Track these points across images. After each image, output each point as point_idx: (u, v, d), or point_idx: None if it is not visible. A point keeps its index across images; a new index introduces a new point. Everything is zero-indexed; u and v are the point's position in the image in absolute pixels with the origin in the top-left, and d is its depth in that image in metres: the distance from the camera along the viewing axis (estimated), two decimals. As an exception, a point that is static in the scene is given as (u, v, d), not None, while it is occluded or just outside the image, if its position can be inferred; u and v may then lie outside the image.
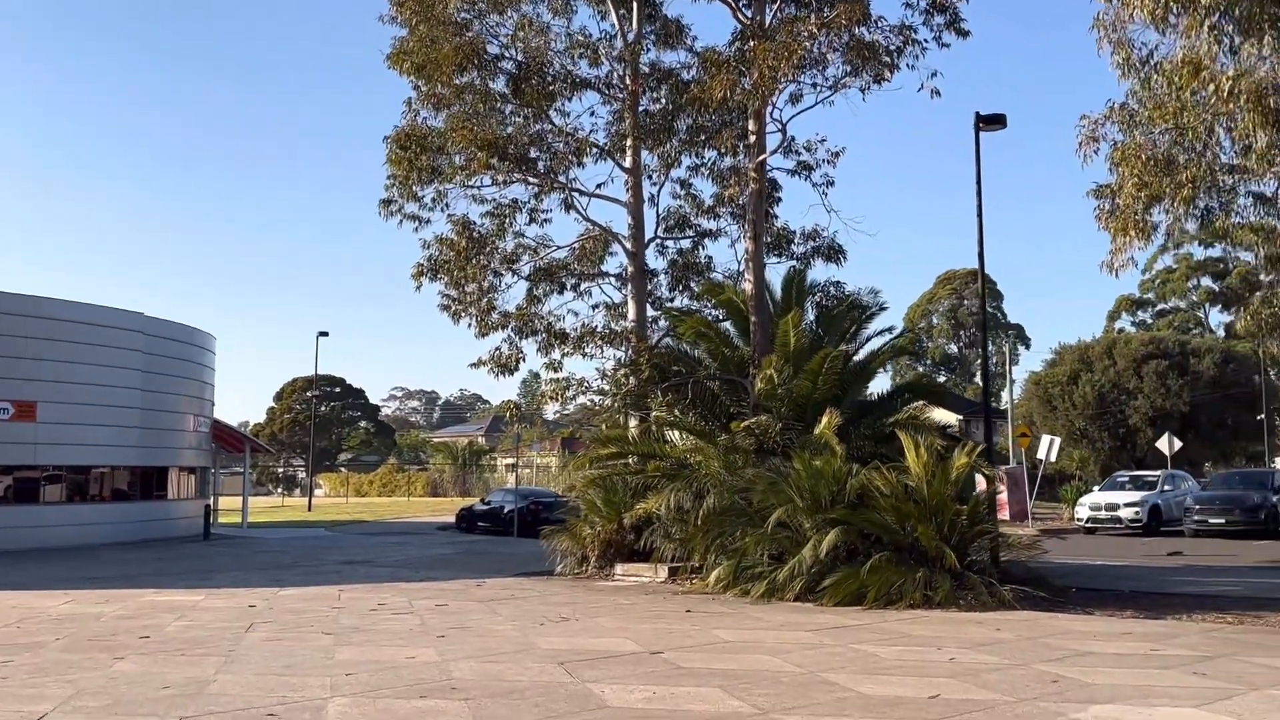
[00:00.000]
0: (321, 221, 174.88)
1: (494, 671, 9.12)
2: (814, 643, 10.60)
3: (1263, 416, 54.00)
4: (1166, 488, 30.78)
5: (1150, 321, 75.29)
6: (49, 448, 26.57)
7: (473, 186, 20.44)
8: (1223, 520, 27.20)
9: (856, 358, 19.05)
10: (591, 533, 18.51)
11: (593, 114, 20.80)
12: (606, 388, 19.74)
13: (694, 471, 17.03)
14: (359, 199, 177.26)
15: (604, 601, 14.75)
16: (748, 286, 18.71)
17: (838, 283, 20.60)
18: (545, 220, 21.77)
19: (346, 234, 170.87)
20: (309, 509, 52.27)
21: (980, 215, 19.74)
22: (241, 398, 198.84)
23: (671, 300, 22.26)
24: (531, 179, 20.40)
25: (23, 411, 25.85)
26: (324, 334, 56.28)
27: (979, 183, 19.73)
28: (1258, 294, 13.68)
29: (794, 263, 20.61)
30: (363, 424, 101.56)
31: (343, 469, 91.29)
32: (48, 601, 15.32)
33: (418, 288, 20.38)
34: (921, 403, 17.93)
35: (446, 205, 20.44)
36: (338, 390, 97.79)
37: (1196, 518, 27.69)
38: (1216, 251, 75.19)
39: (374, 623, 12.59)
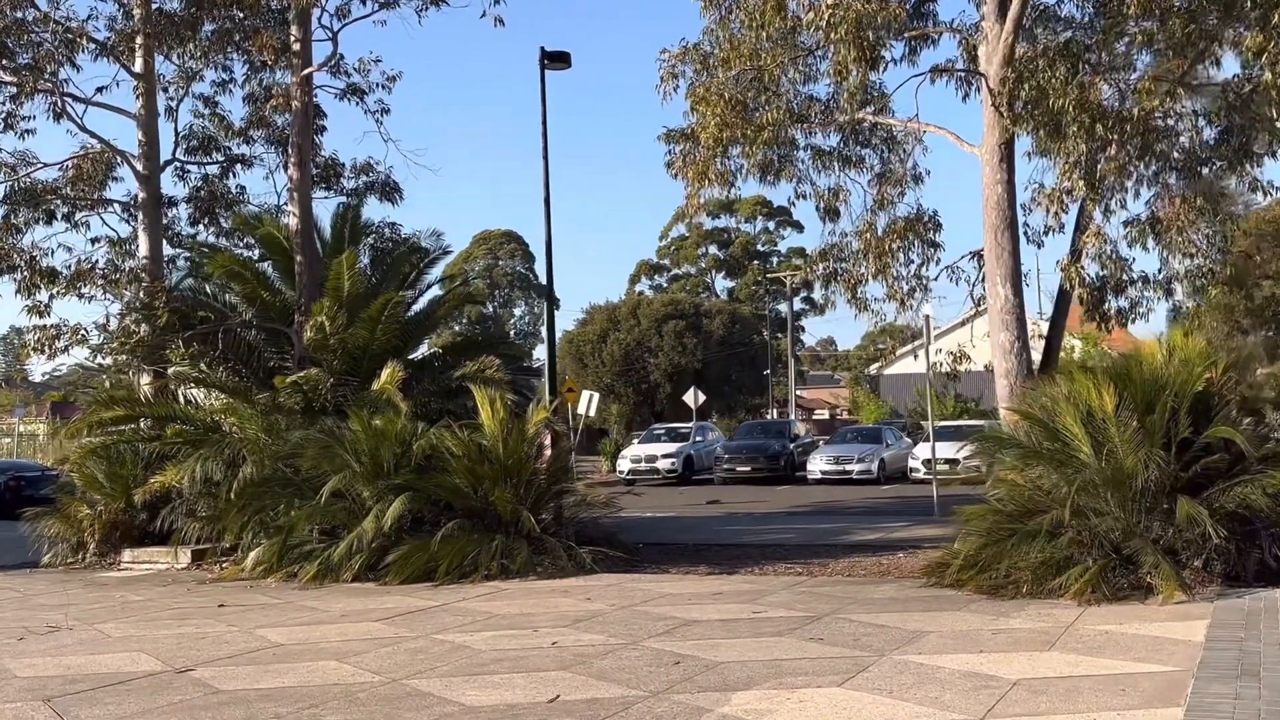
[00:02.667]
0: None
1: (-61, 727, 6.39)
2: (388, 636, 8.85)
3: (768, 371, 59.75)
4: (698, 439, 32.43)
5: (666, 285, 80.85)
6: None
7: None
8: (749, 468, 29.05)
9: (418, 306, 17.34)
10: (91, 514, 15.13)
11: (92, 3, 16.93)
12: (113, 333, 16.22)
13: (227, 436, 14.40)
14: None
15: (109, 599, 11.84)
16: (292, 222, 16.21)
17: (394, 224, 18.72)
18: (28, 131, 17.55)
19: None
20: None
21: (546, 157, 18.87)
22: None
23: (195, 236, 19.02)
24: (6, 75, 16.18)
25: None
26: None
27: (545, 124, 18.82)
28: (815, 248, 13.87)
29: (345, 199, 18.36)
30: None
31: None
32: None
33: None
34: (489, 356, 16.62)
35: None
36: None
37: (726, 466, 29.33)
38: (722, 222, 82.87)
39: None
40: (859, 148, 14.10)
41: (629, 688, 6.73)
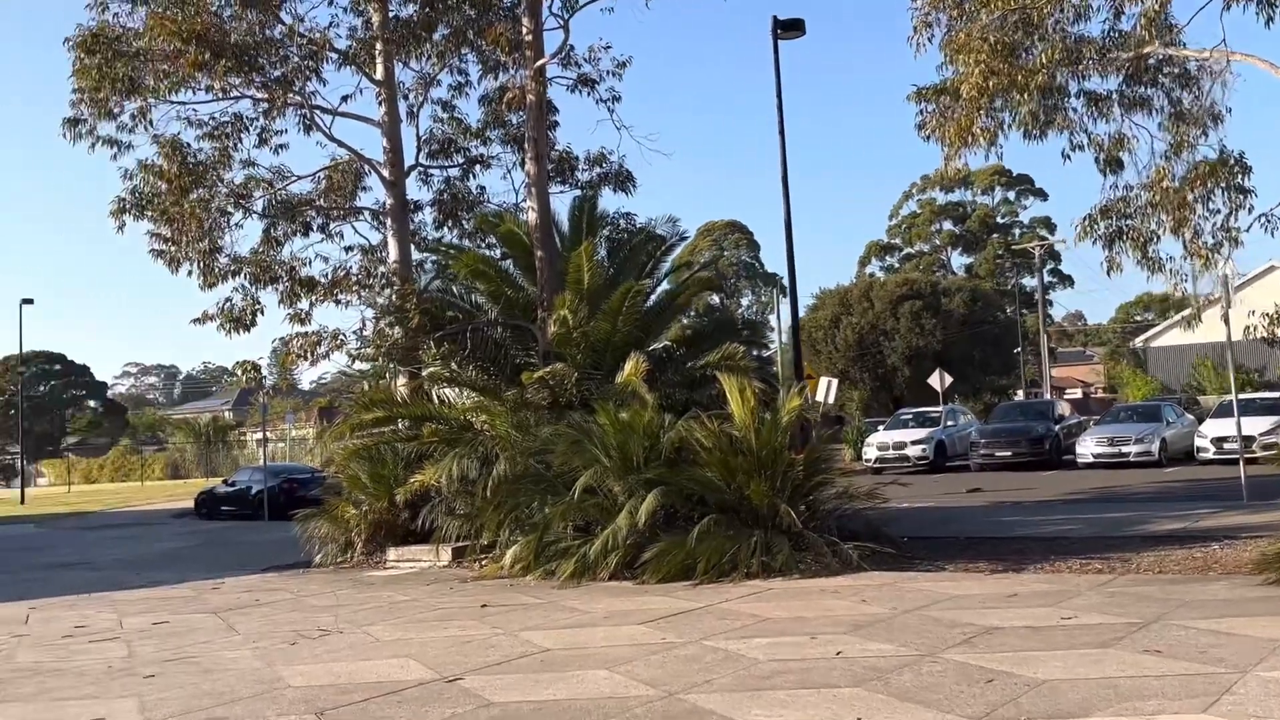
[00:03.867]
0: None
1: (220, 738, 6.28)
2: (655, 642, 8.29)
3: (1018, 350, 56.43)
4: (949, 423, 30.65)
5: (898, 265, 77.90)
6: None
7: (184, 102, 16.72)
8: (1009, 453, 27.10)
9: (656, 295, 16.87)
10: (357, 514, 15.52)
11: (333, 12, 17.44)
12: (368, 337, 16.62)
13: (479, 434, 14.41)
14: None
15: (376, 599, 11.94)
16: (530, 217, 16.07)
17: (628, 214, 18.38)
18: (281, 146, 18.34)
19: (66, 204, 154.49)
20: (21, 501, 45.68)
21: (782, 131, 18.01)
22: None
23: (440, 239, 19.34)
24: (258, 92, 16.84)
25: None
26: (28, 301, 49.27)
27: (779, 96, 17.97)
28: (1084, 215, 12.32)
29: (580, 191, 18.14)
30: (90, 404, 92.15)
31: (68, 454, 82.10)
32: None
33: (119, 228, 16.54)
34: (732, 343, 15.95)
35: (151, 124, 16.60)
36: (58, 368, 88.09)
37: (983, 451, 27.49)
38: (956, 196, 79.06)
39: (62, 658, 9.31)
40: (1144, 88, 12.47)
41: (942, 711, 5.84)
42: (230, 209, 17.71)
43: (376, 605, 11.46)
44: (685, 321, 18.72)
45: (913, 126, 13.34)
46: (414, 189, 19.01)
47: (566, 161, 18.53)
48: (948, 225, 78.99)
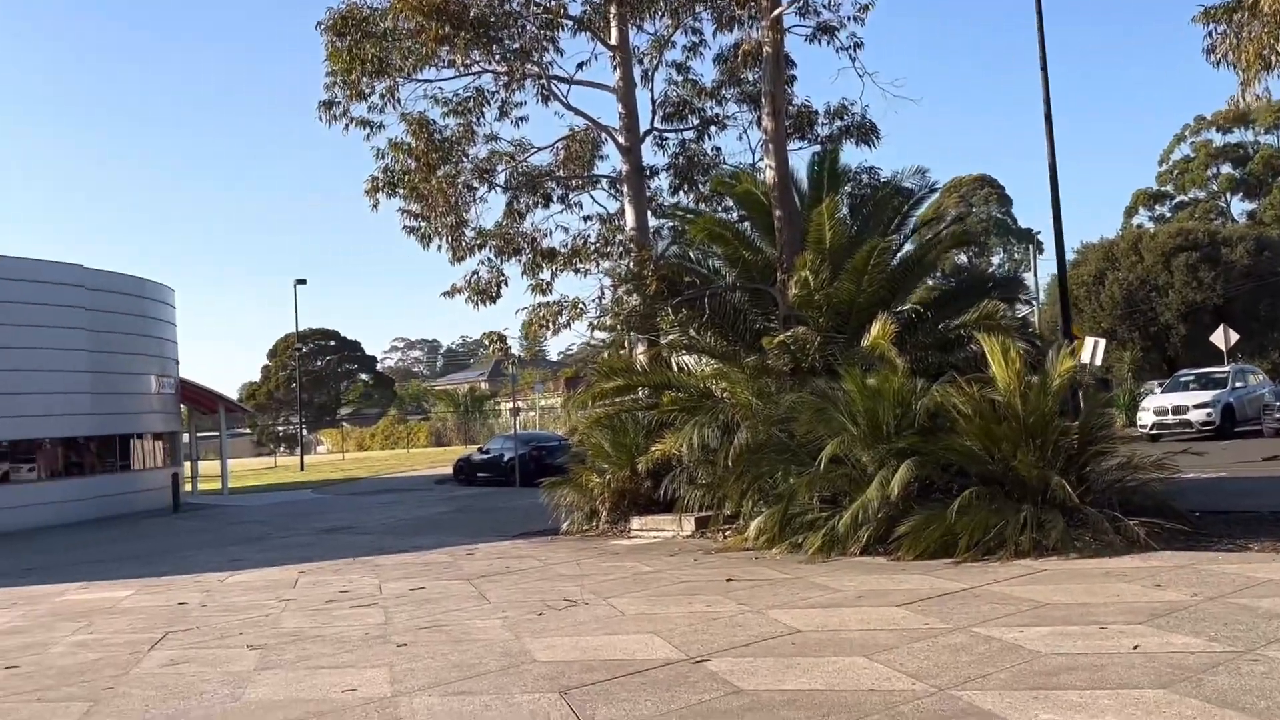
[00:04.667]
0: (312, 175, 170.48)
1: (461, 715, 6.12)
2: (918, 627, 7.59)
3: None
4: (1237, 384, 27.69)
5: (1169, 215, 71.70)
6: (-17, 422, 23.54)
7: (428, 80, 17.11)
8: (1317, 416, 24.16)
9: (903, 253, 15.87)
10: (600, 482, 15.51)
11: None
12: (607, 305, 16.56)
13: (719, 402, 13.99)
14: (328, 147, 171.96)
15: (620, 570, 11.77)
16: (768, 175, 15.45)
17: (872, 169, 17.40)
18: (521, 119, 18.51)
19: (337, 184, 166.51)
20: (301, 469, 49.48)
21: (1044, 66, 16.52)
22: (243, 357, 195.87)
23: (676, 204, 19.03)
24: (498, 66, 16.99)
25: (-53, 383, 22.76)
26: (301, 282, 52.98)
27: (1040, 29, 16.46)
28: None
29: (819, 147, 17.33)
30: (362, 377, 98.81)
31: (344, 424, 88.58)
32: (-64, 612, 12.39)
33: (374, 205, 17.18)
34: (991, 301, 14.78)
35: (399, 102, 17.09)
36: (332, 344, 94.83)
37: (1280, 415, 24.66)
38: (1235, 137, 71.76)
39: (323, 624, 9.62)
40: None
41: (1277, 726, 4.89)
42: (475, 183, 18.06)
43: (621, 576, 11.29)
44: (931, 282, 17.62)
45: (1200, 51, 11.84)
46: (649, 154, 18.79)
47: (805, 116, 17.76)
48: (1226, 169, 71.99)
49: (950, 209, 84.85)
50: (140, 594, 12.75)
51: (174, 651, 8.77)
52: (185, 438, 36.16)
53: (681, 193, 19.34)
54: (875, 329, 13.08)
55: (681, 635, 7.87)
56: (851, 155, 22.37)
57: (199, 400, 34.83)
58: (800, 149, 17.82)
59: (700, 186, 19.03)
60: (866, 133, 17.55)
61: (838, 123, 17.64)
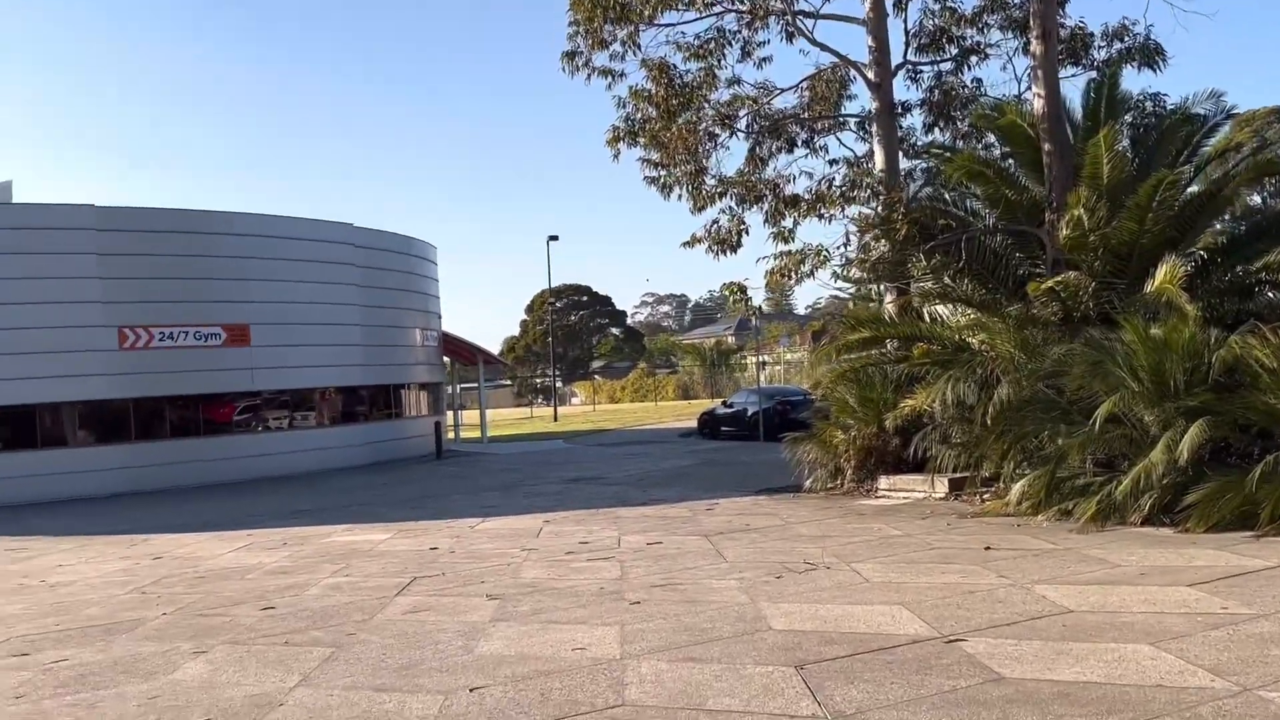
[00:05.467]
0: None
1: (689, 684, 5.72)
2: (1215, 611, 6.56)
3: None
4: None
5: None
6: (266, 372, 25.44)
7: (669, 24, 16.68)
8: None
9: (1192, 188, 14.11)
10: (845, 439, 14.79)
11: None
12: (853, 254, 15.71)
13: (976, 355, 12.95)
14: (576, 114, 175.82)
15: (865, 532, 11.09)
16: (1036, 105, 14.08)
17: (1156, 95, 15.57)
18: (764, 59, 17.78)
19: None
20: (555, 419, 51.15)
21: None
22: (503, 311, 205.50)
23: (930, 142, 17.81)
24: (741, 4, 16.33)
25: (235, 336, 24.72)
26: (554, 238, 54.34)
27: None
28: None
29: (1093, 73, 15.66)
30: (613, 331, 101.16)
31: (595, 377, 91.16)
32: (218, 547, 13.36)
33: (615, 156, 17.04)
34: (1300, 240, 12.90)
35: (639, 48, 16.78)
36: (585, 299, 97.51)
37: None
38: None
39: (560, 576, 9.54)
40: None
41: None
42: (716, 130, 17.56)
43: (866, 539, 10.62)
44: (1219, 225, 15.63)
45: None
46: (901, 90, 17.67)
47: (1078, 39, 16.12)
48: None
49: (1245, 145, 76.85)
50: (397, 538, 13.24)
51: (417, 598, 8.90)
52: (449, 389, 38.02)
53: (936, 130, 18.10)
54: (1161, 273, 11.66)
55: (932, 609, 7.17)
56: (1132, 82, 20.19)
57: (460, 353, 36.44)
58: (1073, 76, 16.25)
59: (957, 123, 17.72)
60: (1150, 55, 15.70)
61: (1116, 45, 15.90)
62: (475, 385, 43.83)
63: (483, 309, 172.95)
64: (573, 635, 7.08)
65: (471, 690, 5.90)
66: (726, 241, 16.95)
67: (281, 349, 25.55)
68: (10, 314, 22.03)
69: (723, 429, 30.59)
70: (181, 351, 23.89)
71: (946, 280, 14.52)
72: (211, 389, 24.71)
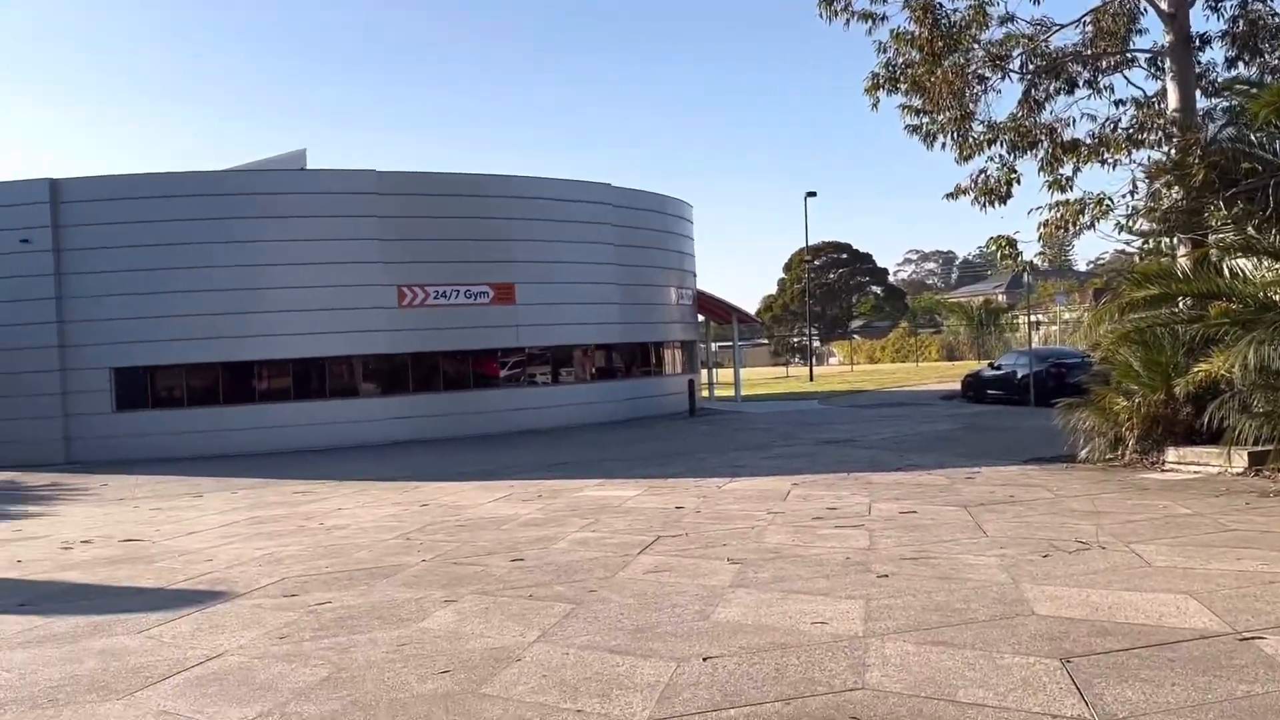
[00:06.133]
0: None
1: (937, 671, 5.27)
2: None
3: None
4: None
5: None
6: (530, 329, 26.38)
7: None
8: None
9: None
10: (1127, 405, 13.53)
11: None
12: (1139, 203, 14.25)
13: (1285, 314, 11.43)
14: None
15: (1148, 510, 10.06)
16: (1367, 27, 12.19)
17: None
18: (1041, -7, 16.34)
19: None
20: (810, 379, 50.44)
21: None
22: (762, 270, 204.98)
23: (1234, 78, 15.88)
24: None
25: (501, 294, 25.74)
26: (811, 194, 53.21)
27: None
28: None
29: None
30: (873, 289, 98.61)
31: (854, 336, 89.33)
32: (480, 496, 13.93)
33: (873, 105, 16.16)
34: None
35: (901, -14, 15.81)
36: (844, 257, 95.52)
37: None
38: None
39: (805, 543, 9.21)
40: None
41: None
42: (985, 72, 16.39)
43: (1149, 517, 9.62)
44: None
45: None
46: (1198, 21, 15.81)
47: None
48: None
49: None
50: (645, 494, 13.31)
51: (659, 558, 8.83)
52: (703, 347, 38.21)
53: (1240, 65, 16.11)
54: None
55: (1225, 600, 6.33)
56: None
57: (714, 311, 36.46)
58: None
59: (1265, 54, 15.69)
60: None
61: None
62: (730, 344, 43.81)
63: (742, 268, 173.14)
64: (813, 607, 6.76)
65: (704, 660, 5.70)
66: (995, 192, 15.82)
67: (544, 307, 26.40)
68: (303, 273, 23.89)
69: (988, 392, 29.04)
70: (453, 309, 25.15)
71: (1250, 231, 12.89)
72: (480, 345, 25.90)
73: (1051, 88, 16.72)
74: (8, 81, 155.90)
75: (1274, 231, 12.87)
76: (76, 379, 23.52)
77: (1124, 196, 14.82)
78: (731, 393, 35.90)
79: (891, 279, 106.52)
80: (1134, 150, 15.21)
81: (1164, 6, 14.92)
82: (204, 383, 24.13)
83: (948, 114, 15.69)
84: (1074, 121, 16.16)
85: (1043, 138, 15.90)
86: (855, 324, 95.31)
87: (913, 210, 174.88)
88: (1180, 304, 13.10)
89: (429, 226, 25.05)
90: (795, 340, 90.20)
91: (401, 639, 6.52)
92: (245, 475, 18.75)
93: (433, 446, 22.91)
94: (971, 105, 16.01)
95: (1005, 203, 15.90)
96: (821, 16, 16.35)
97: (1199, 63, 16.34)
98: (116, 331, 23.40)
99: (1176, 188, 13.50)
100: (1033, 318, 31.70)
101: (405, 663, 5.99)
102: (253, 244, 23.80)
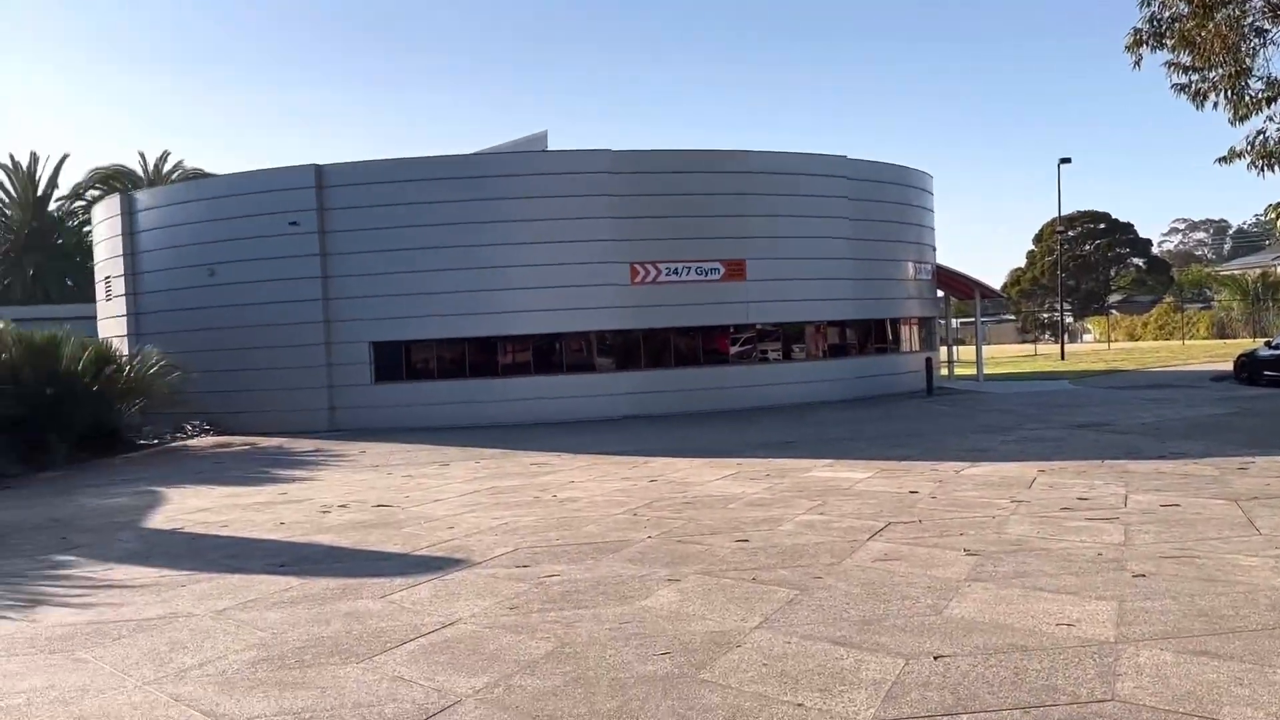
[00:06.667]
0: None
1: (1199, 684, 4.76)
2: None
3: None
4: None
5: None
6: (760, 305, 26.12)
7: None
8: None
9: None
10: None
11: None
12: None
13: None
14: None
15: None
16: None
17: None
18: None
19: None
20: (1061, 357, 47.63)
21: None
22: (1009, 242, 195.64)
23: None
24: None
25: (732, 271, 25.61)
26: (1065, 161, 49.93)
27: None
28: None
29: None
30: (1134, 261, 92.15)
31: (1112, 311, 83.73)
32: (707, 474, 13.92)
33: (1135, 63, 14.96)
34: None
35: (1165, -66, 14.49)
36: (1102, 227, 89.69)
37: None
38: None
39: (1052, 535, 8.62)
40: None
41: None
42: (1264, 24, 14.82)
43: None
44: None
45: None
46: None
47: None
48: None
49: None
50: (876, 477, 12.90)
51: (889, 545, 8.50)
52: (943, 323, 36.79)
53: None
54: None
55: None
56: None
57: (955, 286, 34.99)
58: None
59: None
60: None
61: None
62: (972, 320, 41.95)
63: (987, 241, 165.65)
64: (1059, 607, 6.28)
65: (935, 658, 5.40)
66: (1274, 155, 14.29)
67: (774, 283, 26.10)
68: (542, 252, 24.63)
69: (1265, 373, 26.44)
70: (684, 286, 25.26)
71: None
72: (711, 321, 25.91)
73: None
74: (277, 67, 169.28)
75: None
76: (340, 352, 25.27)
77: None
78: (973, 371, 34.40)
79: (1155, 250, 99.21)
80: None
81: None
82: (453, 356, 25.36)
83: (1220, 70, 14.29)
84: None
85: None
86: (1113, 299, 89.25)
87: (1179, 177, 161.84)
88: None
89: (661, 204, 25.24)
90: (1045, 316, 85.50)
91: (624, 616, 6.55)
92: (488, 445, 19.57)
93: (662, 422, 23.15)
94: (1248, 60, 14.51)
95: (1288, 164, 14.34)
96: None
97: None
98: (375, 308, 24.94)
99: None
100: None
101: (626, 641, 5.99)
102: (498, 224, 24.73)
